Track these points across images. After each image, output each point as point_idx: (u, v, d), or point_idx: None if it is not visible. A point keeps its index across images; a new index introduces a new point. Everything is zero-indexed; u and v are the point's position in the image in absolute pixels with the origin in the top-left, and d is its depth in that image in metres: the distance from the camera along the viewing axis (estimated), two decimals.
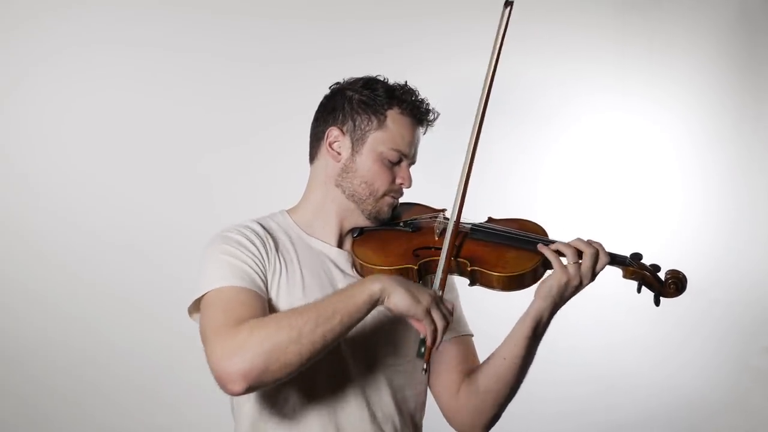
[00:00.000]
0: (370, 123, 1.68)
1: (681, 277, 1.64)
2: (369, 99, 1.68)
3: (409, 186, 1.71)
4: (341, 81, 1.75)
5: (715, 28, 3.52)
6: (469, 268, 1.62)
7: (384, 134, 1.67)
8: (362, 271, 1.67)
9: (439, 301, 1.49)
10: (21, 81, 2.81)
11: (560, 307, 1.63)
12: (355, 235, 1.73)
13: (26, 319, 2.84)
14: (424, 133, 1.74)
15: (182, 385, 2.92)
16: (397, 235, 1.72)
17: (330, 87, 1.76)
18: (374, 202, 1.69)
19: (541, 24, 3.31)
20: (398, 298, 1.45)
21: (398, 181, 1.69)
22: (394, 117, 1.68)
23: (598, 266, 1.61)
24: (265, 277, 1.60)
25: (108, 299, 2.87)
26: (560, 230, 3.63)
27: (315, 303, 1.46)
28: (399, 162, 1.69)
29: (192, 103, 2.92)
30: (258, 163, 2.97)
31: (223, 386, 1.42)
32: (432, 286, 1.60)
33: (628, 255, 1.66)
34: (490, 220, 1.77)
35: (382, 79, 1.73)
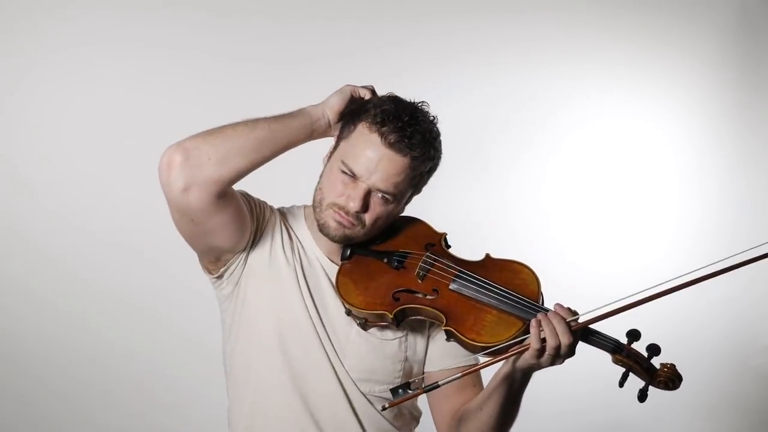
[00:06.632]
0: (345, 130, 1.55)
1: (674, 378, 1.44)
2: (358, 108, 1.55)
3: (355, 209, 1.51)
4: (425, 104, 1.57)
5: (715, 28, 3.52)
6: (443, 327, 1.50)
7: (346, 145, 1.53)
8: (343, 303, 1.57)
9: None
10: (21, 81, 2.81)
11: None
12: (345, 256, 1.60)
13: (26, 319, 2.84)
14: (414, 167, 1.52)
15: (182, 385, 2.92)
16: (381, 270, 1.58)
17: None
18: (320, 212, 1.55)
19: (540, 25, 3.31)
20: None
21: (346, 194, 1.51)
22: (361, 130, 1.51)
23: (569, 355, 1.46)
24: (253, 229, 1.62)
25: (108, 299, 2.87)
26: (561, 231, 3.63)
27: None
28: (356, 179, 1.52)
29: (192, 103, 2.91)
30: None
31: None
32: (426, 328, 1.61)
33: (624, 335, 1.46)
34: (487, 257, 1.60)
35: (416, 104, 1.54)
